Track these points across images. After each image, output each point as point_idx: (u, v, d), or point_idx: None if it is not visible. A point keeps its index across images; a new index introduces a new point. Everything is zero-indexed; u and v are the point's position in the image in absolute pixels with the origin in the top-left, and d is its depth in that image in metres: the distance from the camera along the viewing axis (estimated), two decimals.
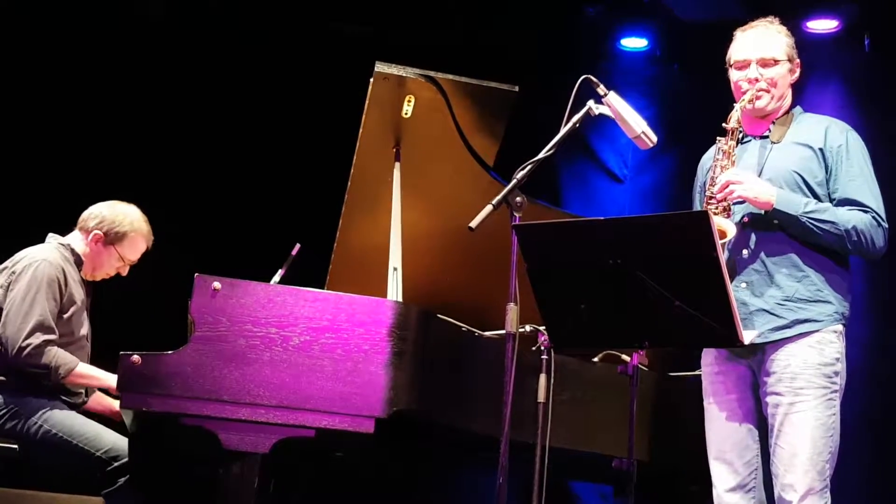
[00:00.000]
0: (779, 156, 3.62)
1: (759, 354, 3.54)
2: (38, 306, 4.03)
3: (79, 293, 4.22)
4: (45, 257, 4.14)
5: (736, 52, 3.69)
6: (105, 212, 4.31)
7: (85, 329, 4.25)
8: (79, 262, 4.27)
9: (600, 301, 3.22)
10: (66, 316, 4.13)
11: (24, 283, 4.06)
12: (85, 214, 4.33)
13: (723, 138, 3.63)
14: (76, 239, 4.31)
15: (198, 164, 6.04)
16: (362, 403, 3.56)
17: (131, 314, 5.69)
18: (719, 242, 3.10)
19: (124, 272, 4.39)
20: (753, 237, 3.57)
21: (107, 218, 4.30)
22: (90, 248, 4.29)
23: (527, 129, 4.50)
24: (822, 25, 5.99)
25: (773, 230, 3.54)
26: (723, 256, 3.12)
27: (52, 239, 4.29)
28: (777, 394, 3.49)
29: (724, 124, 3.62)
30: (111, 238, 4.29)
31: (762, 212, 3.53)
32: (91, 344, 4.32)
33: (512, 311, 3.27)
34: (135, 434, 3.91)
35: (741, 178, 3.51)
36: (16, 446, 4.01)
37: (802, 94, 5.58)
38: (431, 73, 4.06)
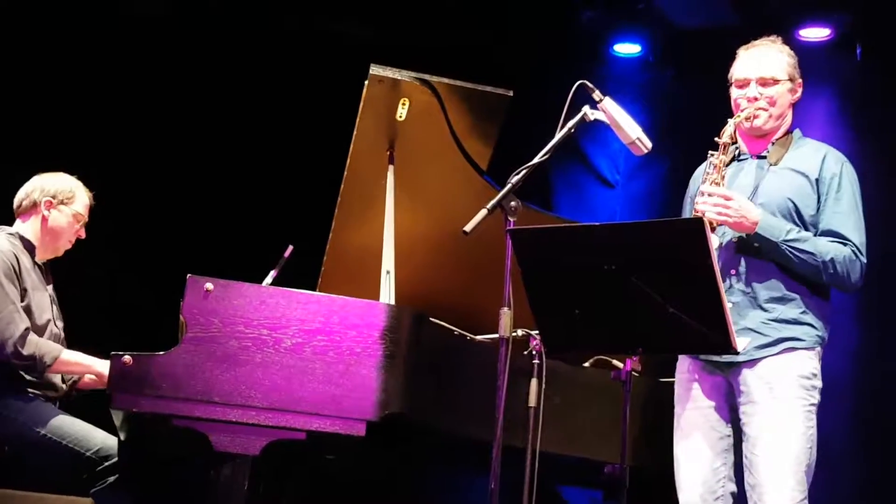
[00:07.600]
0: (774, 180, 3.62)
1: (737, 368, 3.55)
2: (5, 298, 3.96)
3: (33, 279, 4.15)
4: None
5: (737, 70, 3.69)
6: (40, 183, 4.25)
7: (48, 313, 4.18)
8: (30, 247, 4.19)
9: (594, 306, 3.22)
10: (24, 304, 4.06)
11: None
12: (21, 195, 4.25)
13: (715, 152, 3.62)
14: (22, 225, 4.23)
15: (191, 164, 6.03)
16: (353, 406, 3.56)
17: (123, 314, 5.68)
18: (714, 249, 3.11)
19: (83, 234, 4.31)
20: (742, 259, 3.58)
21: (47, 186, 4.24)
22: (48, 218, 4.21)
23: (521, 133, 4.50)
24: (815, 34, 6.00)
25: (762, 254, 3.54)
26: (717, 263, 3.13)
27: (0, 230, 4.22)
28: (755, 402, 3.49)
29: (716, 138, 3.62)
30: (61, 200, 4.23)
31: (744, 234, 3.53)
32: (63, 331, 4.26)
33: (505, 315, 3.27)
34: (125, 435, 3.90)
35: (732, 196, 3.51)
36: (5, 447, 3.98)
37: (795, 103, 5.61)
38: (426, 77, 4.06)
